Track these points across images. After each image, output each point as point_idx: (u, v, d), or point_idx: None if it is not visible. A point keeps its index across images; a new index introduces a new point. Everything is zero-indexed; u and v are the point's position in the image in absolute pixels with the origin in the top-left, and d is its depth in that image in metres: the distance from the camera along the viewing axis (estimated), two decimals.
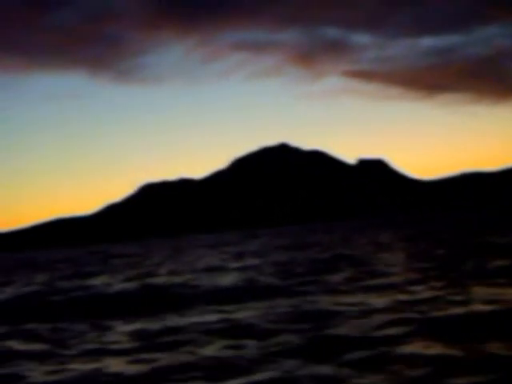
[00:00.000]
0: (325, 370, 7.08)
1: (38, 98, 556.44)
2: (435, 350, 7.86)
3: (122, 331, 12.11)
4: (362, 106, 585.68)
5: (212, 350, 9.19)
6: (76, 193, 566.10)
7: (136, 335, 11.44)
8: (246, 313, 12.68)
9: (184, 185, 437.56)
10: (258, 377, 6.94)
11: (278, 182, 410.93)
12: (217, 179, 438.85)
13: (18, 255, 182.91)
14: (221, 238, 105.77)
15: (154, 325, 12.35)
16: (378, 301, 12.59)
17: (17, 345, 11.68)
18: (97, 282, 25.72)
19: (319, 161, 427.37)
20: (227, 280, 20.68)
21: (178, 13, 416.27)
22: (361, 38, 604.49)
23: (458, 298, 12.03)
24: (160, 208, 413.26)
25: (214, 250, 50.92)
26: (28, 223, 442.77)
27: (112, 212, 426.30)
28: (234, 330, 10.74)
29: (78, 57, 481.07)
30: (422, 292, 12.85)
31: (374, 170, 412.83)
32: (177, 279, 22.55)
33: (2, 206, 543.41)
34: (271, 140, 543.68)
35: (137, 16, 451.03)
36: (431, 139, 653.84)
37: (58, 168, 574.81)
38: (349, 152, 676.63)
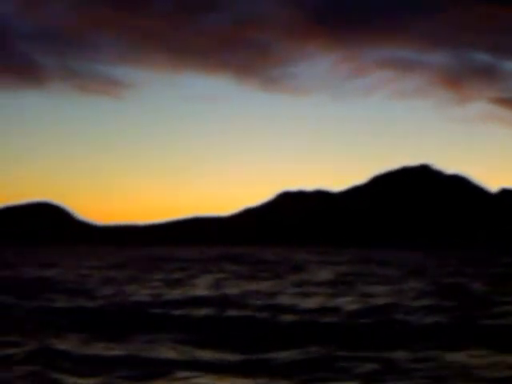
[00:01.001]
0: None
1: (185, 97, 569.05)
2: None
3: None
4: (508, 135, 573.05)
5: None
6: (216, 194, 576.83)
7: None
8: None
9: (320, 196, 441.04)
10: None
11: (415, 202, 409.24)
12: (354, 194, 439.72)
13: (158, 250, 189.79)
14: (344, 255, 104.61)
15: None
16: None
17: None
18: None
19: (459, 186, 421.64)
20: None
21: (327, 26, 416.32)
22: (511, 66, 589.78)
23: None
24: (294, 217, 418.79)
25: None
26: (166, 219, 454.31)
27: (248, 216, 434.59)
28: None
29: (226, 61, 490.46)
30: None
31: None
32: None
33: (140, 200, 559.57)
34: (411, 160, 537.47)
35: (286, 25, 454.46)
36: None
37: (199, 168, 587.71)
38: (490, 180, 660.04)
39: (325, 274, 51.66)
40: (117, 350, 15.90)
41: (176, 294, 23.19)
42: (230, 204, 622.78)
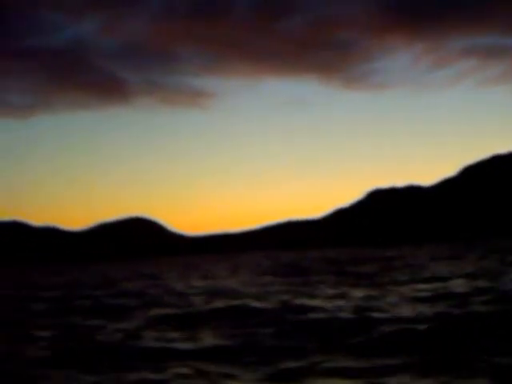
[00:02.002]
0: None
1: (270, 103, 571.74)
2: None
3: None
4: None
5: None
6: (307, 196, 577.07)
7: None
8: None
9: (412, 192, 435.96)
10: None
11: (508, 191, 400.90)
12: (446, 187, 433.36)
13: (259, 255, 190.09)
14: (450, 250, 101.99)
15: None
16: None
17: None
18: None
19: None
20: None
21: (406, 19, 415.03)
22: None
23: None
24: (386, 215, 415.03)
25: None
26: (258, 225, 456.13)
27: (340, 216, 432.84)
28: None
29: (308, 63, 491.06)
30: None
31: None
32: None
33: (232, 208, 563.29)
34: (502, 148, 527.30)
35: (365, 22, 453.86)
36: None
37: (289, 172, 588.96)
38: None
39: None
40: None
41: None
42: (321, 205, 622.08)
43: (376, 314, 19.89)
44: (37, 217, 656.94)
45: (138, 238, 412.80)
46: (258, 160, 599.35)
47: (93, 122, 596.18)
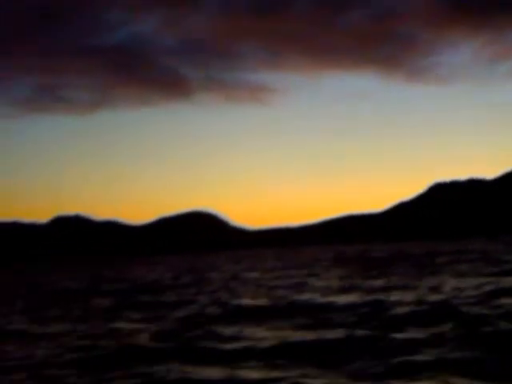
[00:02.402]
0: None
1: (330, 98, 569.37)
2: None
3: None
4: None
5: None
6: (367, 190, 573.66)
7: None
8: None
9: (474, 185, 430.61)
10: None
11: None
12: (509, 180, 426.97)
13: (323, 249, 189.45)
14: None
15: None
16: None
17: None
18: None
19: None
20: None
21: (468, 11, 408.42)
22: None
23: None
24: (448, 209, 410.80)
25: None
26: (319, 218, 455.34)
27: (401, 210, 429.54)
28: None
29: (370, 57, 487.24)
30: None
31: None
32: None
33: (293, 202, 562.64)
34: None
35: (427, 15, 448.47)
36: None
37: (350, 165, 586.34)
38: None
39: None
40: None
41: None
42: (383, 199, 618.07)
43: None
44: (99, 211, 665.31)
45: (199, 232, 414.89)
46: (319, 154, 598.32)
47: (154, 118, 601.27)
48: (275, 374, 12.37)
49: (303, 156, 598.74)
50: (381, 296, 24.52)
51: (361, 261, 67.54)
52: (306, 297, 26.55)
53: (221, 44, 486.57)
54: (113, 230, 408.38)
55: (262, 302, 25.48)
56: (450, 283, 28.70)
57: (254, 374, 12.30)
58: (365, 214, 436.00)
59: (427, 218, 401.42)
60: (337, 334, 16.19)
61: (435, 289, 26.66)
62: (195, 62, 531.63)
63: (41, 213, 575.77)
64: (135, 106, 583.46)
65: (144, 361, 14.42)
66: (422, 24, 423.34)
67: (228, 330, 18.41)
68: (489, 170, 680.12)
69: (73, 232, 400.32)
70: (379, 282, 32.50)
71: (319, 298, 25.51)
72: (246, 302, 25.79)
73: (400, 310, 19.76)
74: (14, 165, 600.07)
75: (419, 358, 12.75)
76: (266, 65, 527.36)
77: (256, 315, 21.72)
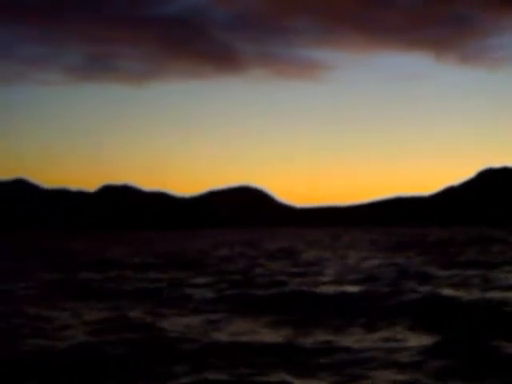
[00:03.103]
0: None
1: (383, 76, 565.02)
2: None
3: None
4: None
5: None
6: (416, 173, 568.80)
7: None
8: None
9: None
10: None
11: None
12: None
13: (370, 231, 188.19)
14: None
15: None
16: None
17: None
18: None
19: None
20: None
21: None
22: None
23: None
24: (497, 195, 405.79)
25: None
26: (367, 199, 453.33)
27: (449, 195, 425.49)
28: None
29: (423, 37, 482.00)
30: None
31: None
32: None
33: (342, 181, 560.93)
34: None
35: None
36: None
37: (400, 146, 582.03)
38: None
39: None
40: None
41: None
42: (432, 183, 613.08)
43: None
44: (148, 182, 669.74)
45: (246, 207, 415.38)
46: (368, 134, 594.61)
47: (205, 92, 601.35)
48: None
49: (353, 135, 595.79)
50: None
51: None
52: None
53: (276, 19, 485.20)
54: (161, 201, 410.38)
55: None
56: None
57: None
58: (413, 196, 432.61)
59: (474, 204, 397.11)
60: None
61: None
62: (248, 36, 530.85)
63: (89, 181, 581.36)
64: (186, 79, 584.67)
65: None
66: (478, 6, 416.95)
67: None
68: None
69: (120, 201, 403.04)
70: None
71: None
72: None
73: None
74: (64, 131, 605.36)
75: None
76: (320, 41, 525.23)
77: None
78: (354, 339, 15.07)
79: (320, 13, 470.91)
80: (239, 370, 12.00)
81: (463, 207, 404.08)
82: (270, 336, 15.51)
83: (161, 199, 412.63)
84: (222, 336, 15.53)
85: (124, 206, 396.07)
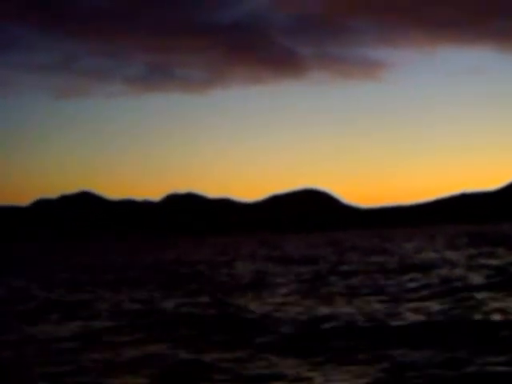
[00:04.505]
0: None
1: (446, 72, 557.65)
2: None
3: None
4: None
5: None
6: (483, 167, 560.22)
7: None
8: None
9: None
10: None
11: None
12: None
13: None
14: None
15: None
16: None
17: None
18: None
19: None
20: None
21: None
22: None
23: None
24: None
25: None
26: (431, 197, 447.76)
27: None
28: None
29: (486, 31, 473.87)
30: None
31: None
32: None
33: (405, 180, 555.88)
34: None
35: None
36: None
37: (465, 141, 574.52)
38: None
39: None
40: None
41: None
42: (497, 177, 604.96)
43: None
44: (212, 189, 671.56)
45: (311, 211, 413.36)
46: (433, 131, 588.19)
47: (266, 96, 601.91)
48: None
49: (416, 132, 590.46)
50: None
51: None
52: None
53: (335, 20, 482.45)
54: (225, 207, 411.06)
55: None
56: None
57: None
58: (479, 191, 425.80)
59: None
60: None
61: None
62: (308, 38, 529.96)
63: (154, 191, 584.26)
64: (247, 85, 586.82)
65: None
66: None
67: None
68: None
69: (185, 209, 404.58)
70: None
71: None
72: None
73: None
74: (128, 142, 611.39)
75: None
76: (381, 40, 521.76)
77: None
78: None
79: (380, 11, 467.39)
80: None
81: None
82: None
83: (225, 205, 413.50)
84: None
85: (189, 212, 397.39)
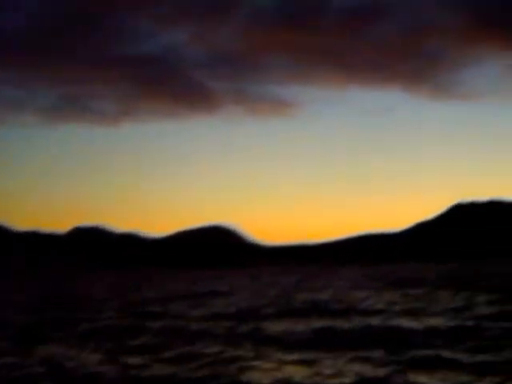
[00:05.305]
0: None
1: (354, 112, 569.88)
2: None
3: None
4: None
5: None
6: (387, 208, 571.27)
7: None
8: None
9: (495, 206, 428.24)
10: None
11: None
12: None
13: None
14: None
15: None
16: None
17: None
18: None
19: None
20: None
21: (497, 29, 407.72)
22: None
23: None
24: (468, 230, 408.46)
25: None
26: (336, 237, 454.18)
27: (421, 230, 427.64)
28: None
29: (395, 71, 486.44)
30: None
31: None
32: None
33: (311, 218, 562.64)
34: None
35: (456, 30, 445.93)
36: None
37: (370, 182, 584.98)
38: None
39: None
40: None
41: None
42: (403, 218, 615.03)
43: None
44: (120, 223, 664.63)
45: (216, 247, 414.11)
46: (340, 170, 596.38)
47: (179, 132, 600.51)
48: None
49: (325, 171, 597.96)
50: None
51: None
52: None
53: (249, 57, 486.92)
54: (132, 242, 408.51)
55: None
56: None
57: None
58: (383, 233, 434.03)
59: (448, 239, 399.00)
60: None
61: None
62: (222, 75, 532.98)
63: (60, 223, 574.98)
64: (160, 118, 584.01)
65: None
66: (450, 40, 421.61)
67: None
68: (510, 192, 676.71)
69: (92, 242, 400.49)
70: None
71: None
72: None
73: None
74: (36, 174, 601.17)
75: None
76: (293, 78, 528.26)
77: None
78: None
79: (293, 49, 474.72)
80: None
81: (436, 242, 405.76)
82: None
83: (131, 241, 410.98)
84: None
85: (92, 248, 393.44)
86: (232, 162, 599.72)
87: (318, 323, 24.26)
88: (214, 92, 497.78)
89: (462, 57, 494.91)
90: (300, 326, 23.97)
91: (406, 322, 23.57)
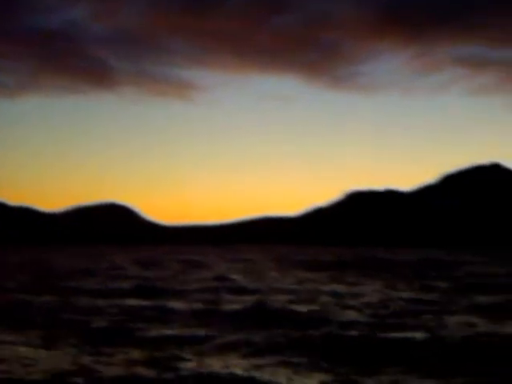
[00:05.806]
0: None
1: (253, 99, 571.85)
2: None
3: None
4: None
5: None
6: (285, 193, 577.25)
7: None
8: None
9: (391, 196, 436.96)
10: None
11: (488, 202, 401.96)
12: (424, 193, 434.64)
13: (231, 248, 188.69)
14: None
15: None
16: None
17: None
18: None
19: None
20: None
21: (398, 23, 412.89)
22: None
23: None
24: (365, 217, 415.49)
25: None
26: (235, 218, 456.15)
27: (318, 216, 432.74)
28: None
29: (294, 61, 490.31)
30: None
31: None
32: None
33: (210, 200, 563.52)
34: (483, 159, 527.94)
35: (356, 24, 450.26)
36: None
37: (268, 166, 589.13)
38: None
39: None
40: None
41: None
42: (299, 203, 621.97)
43: None
44: (13, 197, 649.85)
45: (112, 224, 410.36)
46: (238, 153, 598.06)
47: (78, 107, 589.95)
48: None
49: (223, 154, 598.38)
50: None
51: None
52: None
53: (151, 38, 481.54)
54: (27, 216, 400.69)
55: None
56: None
57: None
58: (281, 216, 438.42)
59: (342, 225, 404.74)
60: None
61: None
62: (123, 54, 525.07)
63: None
64: (60, 93, 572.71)
65: None
66: (351, 32, 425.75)
67: None
68: (405, 183, 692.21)
69: None
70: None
71: None
72: None
73: None
74: None
75: None
76: (194, 62, 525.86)
77: None
78: None
79: (195, 33, 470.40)
80: None
81: (332, 227, 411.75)
82: None
83: (26, 214, 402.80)
84: None
85: None
86: (128, 140, 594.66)
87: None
88: (114, 70, 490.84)
89: (362, 50, 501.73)
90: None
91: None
